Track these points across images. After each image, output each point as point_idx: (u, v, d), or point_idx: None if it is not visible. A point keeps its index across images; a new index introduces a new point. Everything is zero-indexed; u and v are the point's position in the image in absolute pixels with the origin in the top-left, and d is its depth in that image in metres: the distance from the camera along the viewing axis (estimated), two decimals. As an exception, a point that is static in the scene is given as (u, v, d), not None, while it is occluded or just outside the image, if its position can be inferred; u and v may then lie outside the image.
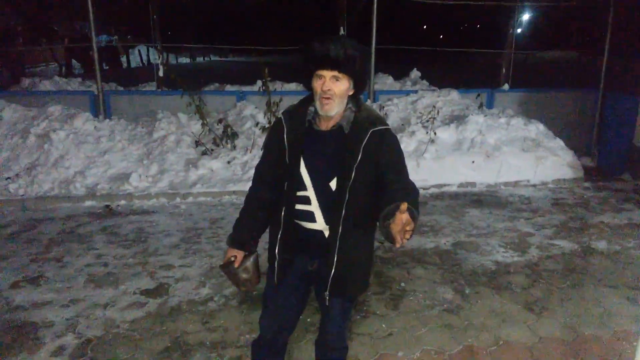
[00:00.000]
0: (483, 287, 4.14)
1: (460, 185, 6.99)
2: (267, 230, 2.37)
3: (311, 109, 2.18)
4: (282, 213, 2.22)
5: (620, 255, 4.79)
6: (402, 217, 1.77)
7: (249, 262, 2.34)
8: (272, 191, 2.28)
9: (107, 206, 6.09)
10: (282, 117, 2.25)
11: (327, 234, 2.19)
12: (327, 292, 2.22)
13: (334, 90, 2.07)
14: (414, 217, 1.84)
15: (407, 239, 1.79)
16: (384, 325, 3.55)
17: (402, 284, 4.17)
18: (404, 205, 1.77)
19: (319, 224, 2.19)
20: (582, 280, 4.28)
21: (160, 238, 5.12)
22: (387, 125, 2.19)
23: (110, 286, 4.11)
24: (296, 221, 2.22)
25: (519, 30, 10.96)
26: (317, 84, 2.09)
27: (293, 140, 2.18)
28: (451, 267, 4.51)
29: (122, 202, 6.21)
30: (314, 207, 2.18)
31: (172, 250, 4.83)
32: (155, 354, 3.22)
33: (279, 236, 2.25)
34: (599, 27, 8.79)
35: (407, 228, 1.77)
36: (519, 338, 3.41)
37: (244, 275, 2.34)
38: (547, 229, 5.45)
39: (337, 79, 2.07)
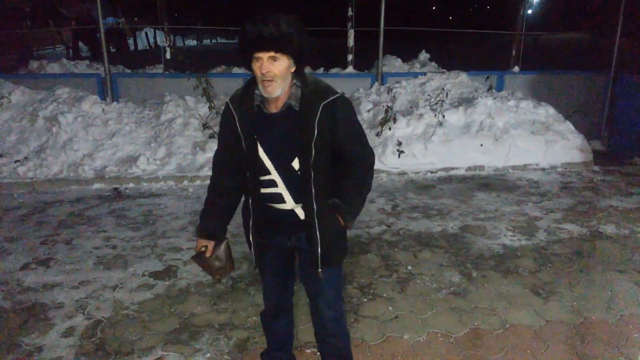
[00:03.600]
0: (490, 270, 4.14)
1: (469, 168, 6.96)
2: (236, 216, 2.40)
3: (257, 92, 2.11)
4: (250, 200, 2.23)
5: (629, 240, 4.76)
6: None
7: (220, 250, 2.36)
8: (233, 178, 2.29)
9: (116, 189, 6.13)
10: (231, 105, 2.18)
11: (298, 212, 2.19)
12: (319, 270, 2.23)
13: (273, 72, 1.99)
14: (345, 220, 2.21)
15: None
16: (390, 308, 3.57)
17: (409, 267, 4.17)
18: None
19: (289, 203, 2.19)
20: (590, 264, 4.27)
21: (168, 221, 5.15)
22: (336, 93, 2.13)
23: (119, 268, 4.15)
24: (266, 204, 2.22)
25: (529, 12, 10.80)
26: (256, 67, 2.01)
27: (246, 127, 2.13)
28: (458, 250, 4.51)
29: (131, 184, 6.24)
30: (281, 188, 2.17)
31: (180, 232, 4.85)
32: (164, 335, 3.25)
33: (250, 223, 2.27)
34: (611, 8, 8.64)
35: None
36: (525, 321, 3.41)
37: (217, 264, 2.37)
38: (556, 213, 5.42)
39: (274, 59, 1.98)
